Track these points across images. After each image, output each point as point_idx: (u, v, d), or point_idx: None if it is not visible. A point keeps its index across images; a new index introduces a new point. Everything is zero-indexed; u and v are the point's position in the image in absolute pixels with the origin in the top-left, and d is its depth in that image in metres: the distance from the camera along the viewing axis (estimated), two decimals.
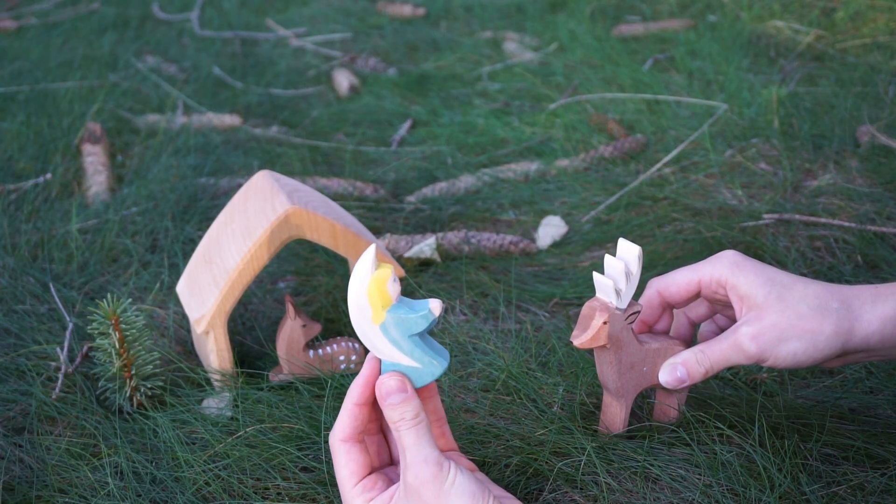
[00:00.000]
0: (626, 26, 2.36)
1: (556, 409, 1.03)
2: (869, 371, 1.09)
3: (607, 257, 0.89)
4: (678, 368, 0.92)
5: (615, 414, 0.96)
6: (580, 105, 1.91)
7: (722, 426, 0.96)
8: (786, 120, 1.72)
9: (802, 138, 1.65)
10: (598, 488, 0.92)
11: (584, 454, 0.94)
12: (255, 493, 0.95)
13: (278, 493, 0.95)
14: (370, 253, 0.79)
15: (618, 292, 0.89)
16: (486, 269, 1.36)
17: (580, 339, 0.90)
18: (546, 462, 0.95)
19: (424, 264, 1.38)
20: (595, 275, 0.89)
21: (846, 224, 1.38)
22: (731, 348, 0.89)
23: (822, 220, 1.40)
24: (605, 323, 0.89)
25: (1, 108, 1.95)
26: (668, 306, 0.97)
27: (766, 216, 1.43)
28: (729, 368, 1.10)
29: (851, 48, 2.09)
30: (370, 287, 0.79)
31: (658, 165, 1.62)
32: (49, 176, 1.63)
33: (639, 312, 0.91)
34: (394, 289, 0.80)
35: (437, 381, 0.86)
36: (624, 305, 0.89)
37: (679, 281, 0.94)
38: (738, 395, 1.05)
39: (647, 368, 0.94)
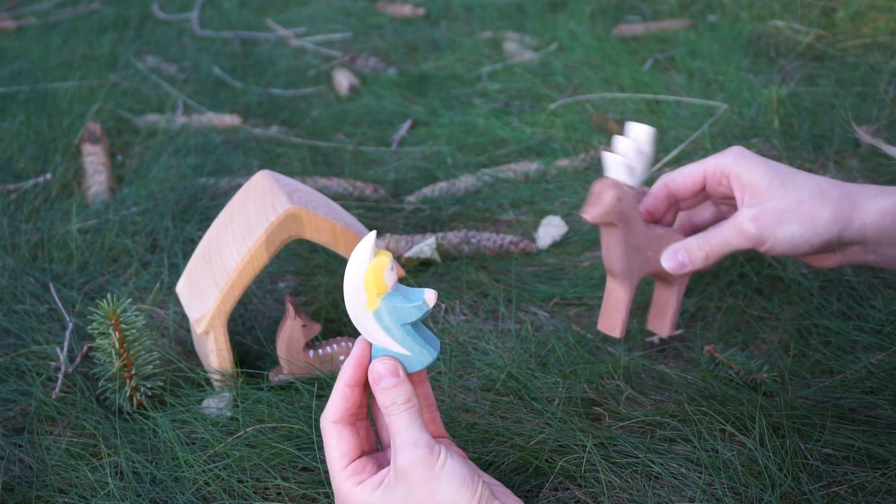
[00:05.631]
0: (626, 26, 2.36)
1: (556, 405, 1.03)
2: (869, 371, 1.09)
3: (617, 137, 0.89)
4: (679, 253, 0.93)
5: (618, 298, 0.95)
6: (580, 105, 1.91)
7: (724, 422, 0.96)
8: (786, 120, 1.72)
9: (802, 138, 1.65)
10: (599, 485, 0.92)
11: (584, 451, 0.94)
12: (255, 493, 0.95)
13: (278, 493, 0.95)
14: (369, 239, 0.79)
15: (630, 170, 0.88)
16: (486, 269, 1.36)
17: (591, 213, 0.89)
18: (546, 459, 0.95)
19: (424, 264, 1.38)
20: (605, 153, 0.90)
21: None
22: (732, 230, 0.91)
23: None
24: (617, 199, 0.88)
25: (1, 108, 1.95)
26: (675, 201, 0.98)
27: None
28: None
29: (851, 48, 2.08)
30: (367, 273, 0.80)
31: (658, 165, 1.62)
32: (49, 176, 1.63)
33: (646, 194, 0.91)
34: (390, 277, 0.80)
35: (428, 369, 0.87)
36: (635, 184, 0.89)
37: (685, 173, 0.96)
38: (738, 394, 1.05)
39: (651, 253, 0.94)
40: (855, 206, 0.88)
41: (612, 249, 0.93)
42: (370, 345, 0.84)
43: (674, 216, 1.00)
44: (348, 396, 0.84)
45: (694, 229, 1.00)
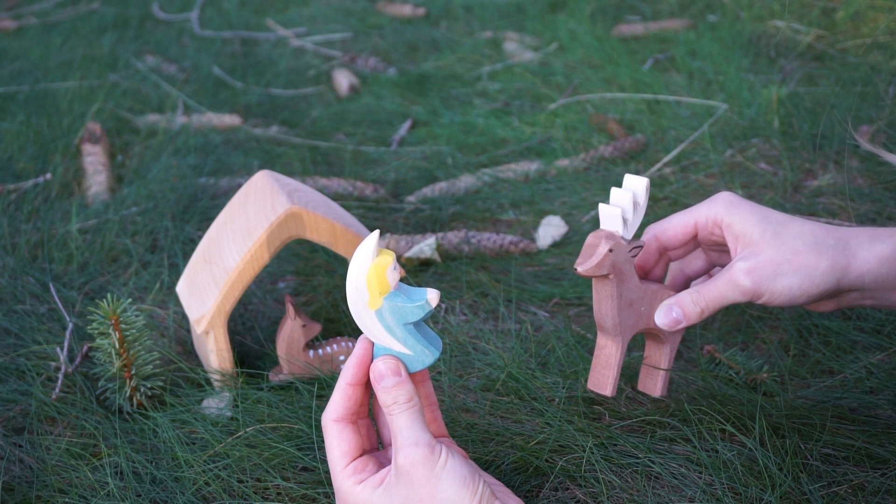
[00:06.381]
0: (626, 26, 2.36)
1: (556, 405, 1.03)
2: (869, 371, 1.09)
3: (613, 189, 0.88)
4: (674, 309, 0.91)
5: (610, 355, 0.93)
6: (580, 105, 1.91)
7: (724, 422, 0.96)
8: (786, 120, 1.72)
9: (802, 138, 1.65)
10: (599, 485, 0.92)
11: (584, 451, 0.94)
12: (255, 493, 0.95)
13: (278, 493, 0.95)
14: (372, 238, 0.79)
15: (625, 221, 0.87)
16: (486, 269, 1.36)
17: (584, 266, 0.88)
18: (546, 459, 0.95)
19: (424, 264, 1.38)
20: (601, 205, 0.89)
21: (846, 224, 1.38)
22: (727, 284, 0.88)
23: (822, 220, 1.40)
24: (610, 251, 0.87)
25: (1, 108, 1.95)
26: (665, 252, 0.96)
27: None
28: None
29: (851, 48, 2.08)
30: (370, 273, 0.80)
31: (658, 165, 1.62)
32: (49, 176, 1.63)
33: (641, 248, 0.90)
34: (393, 276, 0.80)
35: (429, 369, 0.87)
36: (629, 236, 0.88)
37: (675, 224, 0.94)
38: (738, 394, 1.05)
39: (644, 309, 0.93)
40: (851, 254, 0.87)
41: (604, 303, 0.91)
42: (372, 344, 0.84)
43: (664, 267, 0.98)
44: (350, 395, 0.84)
45: (686, 281, 0.98)
